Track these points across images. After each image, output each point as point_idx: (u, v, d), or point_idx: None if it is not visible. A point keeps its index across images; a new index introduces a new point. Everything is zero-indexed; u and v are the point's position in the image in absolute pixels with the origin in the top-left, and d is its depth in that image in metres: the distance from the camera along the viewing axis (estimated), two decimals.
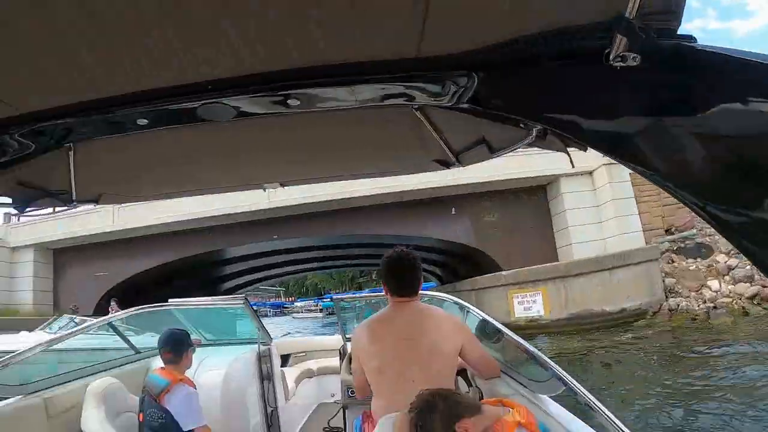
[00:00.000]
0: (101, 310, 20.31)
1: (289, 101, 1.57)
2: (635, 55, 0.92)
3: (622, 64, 0.94)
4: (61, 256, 24.01)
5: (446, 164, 2.35)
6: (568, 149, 1.62)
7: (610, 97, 1.04)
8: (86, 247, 23.57)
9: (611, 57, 0.94)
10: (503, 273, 20.17)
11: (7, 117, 1.75)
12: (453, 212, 21.86)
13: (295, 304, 74.54)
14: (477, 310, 3.43)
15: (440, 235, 22.56)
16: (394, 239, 21.20)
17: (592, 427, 2.11)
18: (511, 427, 1.79)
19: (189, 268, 26.83)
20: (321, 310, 62.65)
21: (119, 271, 23.61)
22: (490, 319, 3.14)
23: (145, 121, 1.76)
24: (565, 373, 2.25)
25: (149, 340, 4.42)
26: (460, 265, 27.67)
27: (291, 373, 5.47)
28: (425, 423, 1.82)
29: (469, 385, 2.94)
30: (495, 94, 1.33)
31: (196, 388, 3.05)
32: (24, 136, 1.87)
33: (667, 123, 0.91)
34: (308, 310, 67.15)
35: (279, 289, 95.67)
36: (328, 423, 4.98)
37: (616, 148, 1.08)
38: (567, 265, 18.95)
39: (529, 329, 17.79)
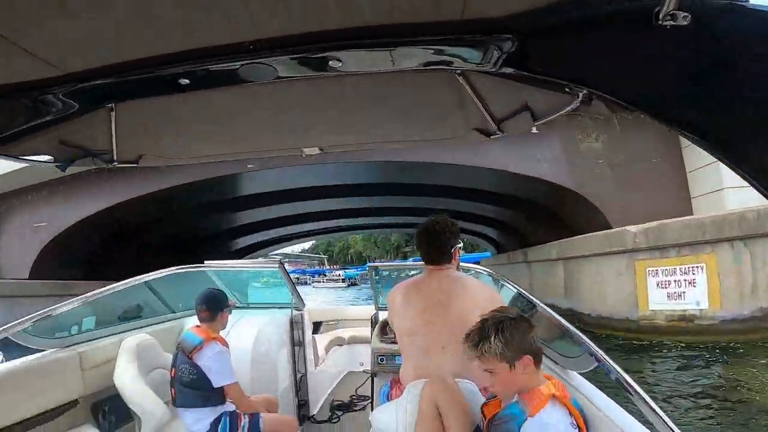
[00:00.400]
0: (45, 273, 16.72)
1: (330, 63, 1.55)
2: (685, 14, 0.87)
3: (671, 23, 0.89)
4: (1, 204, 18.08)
5: (487, 133, 2.30)
6: (615, 114, 1.57)
7: (659, 59, 1.01)
8: (28, 190, 17.64)
9: (660, 16, 0.89)
10: (630, 229, 12.16)
11: (50, 77, 1.81)
12: (535, 130, 15.48)
13: (334, 272, 74.45)
14: (511, 283, 3.39)
15: (515, 168, 15.02)
16: (448, 175, 17.42)
17: (624, 407, 2.06)
18: (545, 398, 1.77)
19: (169, 213, 20.42)
20: (343, 280, 62.61)
21: (62, 218, 17.32)
22: (524, 292, 3.11)
23: (187, 81, 1.77)
24: (597, 349, 2.19)
25: (184, 300, 4.56)
26: (533, 224, 20.55)
27: (322, 340, 5.57)
28: (504, 328, 1.79)
29: None
30: (540, 58, 1.30)
31: (228, 348, 3.12)
32: (66, 96, 1.92)
33: (716, 84, 0.88)
34: (331, 279, 67.15)
35: (322, 256, 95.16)
36: (356, 391, 5.09)
37: (665, 111, 1.04)
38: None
39: (676, 334, 10.71)
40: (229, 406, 3.05)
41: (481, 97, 2.00)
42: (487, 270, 3.83)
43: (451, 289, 2.55)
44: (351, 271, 68.87)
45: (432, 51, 1.45)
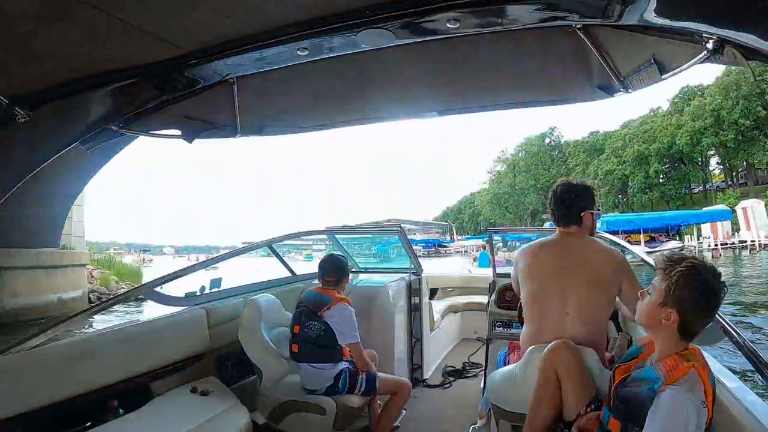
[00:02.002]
0: None
1: (448, 24, 1.54)
2: None
3: None
4: None
5: (610, 90, 2.22)
6: (750, 62, 1.38)
7: None
8: None
9: None
10: None
11: (174, 56, 1.95)
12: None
13: (455, 242, 72.91)
14: (637, 250, 3.27)
15: None
16: None
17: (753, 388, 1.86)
18: (685, 368, 1.62)
19: None
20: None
21: None
22: (651, 261, 2.90)
23: (306, 51, 1.83)
24: (729, 323, 2.00)
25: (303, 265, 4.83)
26: None
27: (437, 306, 5.59)
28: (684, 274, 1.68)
29: (618, 330, 2.83)
30: (670, 6, 1.20)
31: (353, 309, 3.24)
32: (190, 73, 2.07)
33: None
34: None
35: (445, 225, 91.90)
36: (468, 358, 5.11)
37: None
38: None
39: None
40: (347, 364, 3.16)
41: (604, 51, 1.91)
42: (610, 236, 3.63)
43: (579, 254, 2.49)
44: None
45: (551, 5, 1.40)
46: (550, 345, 2.18)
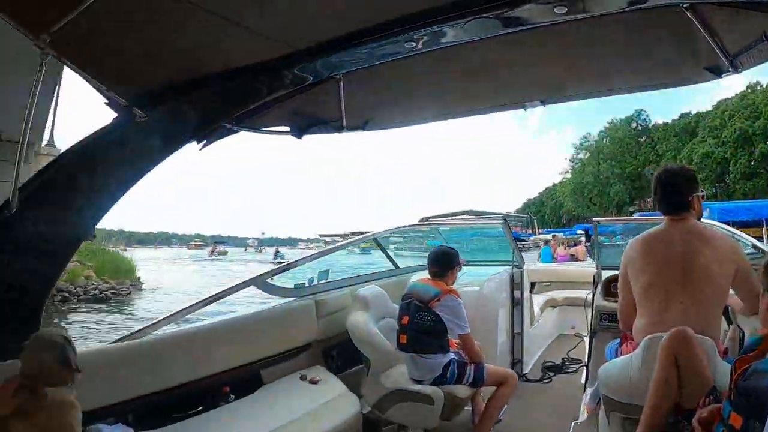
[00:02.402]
0: None
1: (555, 9, 1.52)
2: None
3: None
4: None
5: (718, 71, 2.13)
6: None
7: None
8: None
9: None
10: None
11: (284, 54, 2.01)
12: None
13: (535, 236, 71.67)
14: (748, 237, 3.16)
15: None
16: None
17: None
18: None
19: None
20: None
21: None
22: (765, 247, 2.81)
23: (413, 44, 1.83)
24: None
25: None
26: None
27: (537, 300, 5.55)
28: None
29: (729, 322, 2.75)
30: None
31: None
32: (300, 70, 2.12)
33: None
34: None
35: (525, 218, 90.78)
36: (567, 354, 4.99)
37: None
38: None
39: None
40: (455, 354, 3.16)
41: (712, 30, 1.82)
42: (719, 224, 3.52)
43: (692, 241, 2.40)
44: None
45: None
46: (669, 332, 2.11)
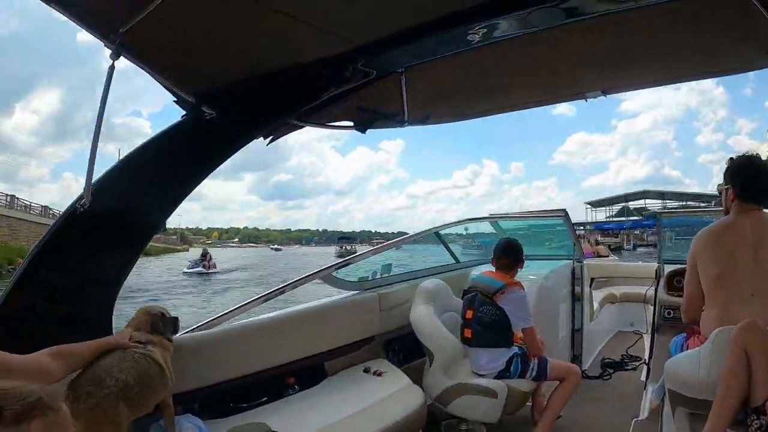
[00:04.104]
0: None
1: None
2: None
3: None
4: None
5: None
6: None
7: None
8: None
9: None
10: None
11: (347, 50, 2.04)
12: None
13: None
14: None
15: None
16: None
17: None
18: None
19: None
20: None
21: None
22: None
23: (476, 36, 1.84)
24: None
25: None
26: None
27: (596, 296, 5.47)
28: None
29: None
30: None
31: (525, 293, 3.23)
32: (363, 66, 2.15)
33: None
34: None
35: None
36: (626, 350, 4.93)
37: None
38: None
39: None
40: (518, 349, 3.15)
41: None
42: None
43: (765, 234, 2.36)
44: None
45: None
46: (739, 324, 2.08)
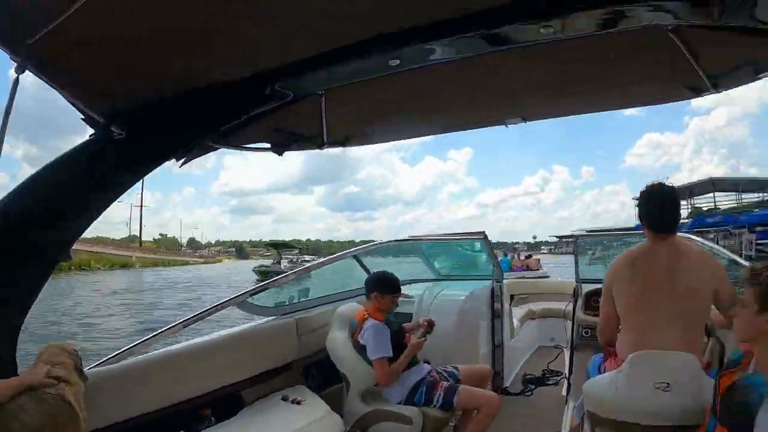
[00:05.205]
0: None
1: (541, 30, 1.52)
2: None
3: None
4: None
5: (699, 90, 2.17)
6: None
7: None
8: None
9: None
10: None
11: (267, 70, 1.98)
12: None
13: None
14: (725, 251, 3.22)
15: None
16: None
17: None
18: None
19: None
20: None
21: None
22: (742, 261, 2.92)
23: (397, 61, 1.82)
24: None
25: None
26: None
27: (516, 313, 5.59)
28: None
29: (709, 335, 2.79)
30: None
31: (383, 324, 3.15)
32: (283, 86, 2.10)
33: None
34: None
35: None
36: (548, 366, 5.07)
37: None
38: None
39: None
40: (428, 375, 3.14)
41: (694, 52, 1.86)
42: (698, 239, 3.54)
43: (679, 260, 2.44)
44: None
45: (648, 8, 1.37)
46: (651, 352, 2.22)
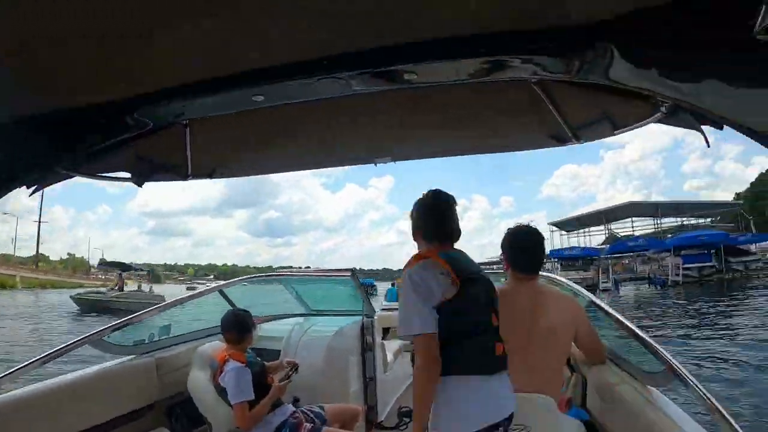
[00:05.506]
0: None
1: (405, 76, 1.55)
2: None
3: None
4: None
5: (562, 140, 2.26)
6: (703, 127, 1.49)
7: (756, 73, 0.93)
8: None
9: (756, 28, 0.82)
10: None
11: (125, 96, 1.90)
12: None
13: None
14: (585, 292, 3.31)
15: None
16: None
17: (705, 426, 1.99)
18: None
19: None
20: None
21: None
22: (599, 302, 3.02)
23: (261, 98, 1.80)
24: (679, 365, 2.11)
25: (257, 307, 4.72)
26: None
27: (390, 346, 5.58)
28: None
29: (572, 371, 2.89)
30: (625, 66, 1.23)
31: (246, 365, 3.02)
32: (142, 114, 2.03)
33: None
34: None
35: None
36: None
37: (760, 127, 0.98)
38: None
39: None
40: (291, 417, 3.08)
41: (557, 105, 1.97)
42: (563, 279, 3.72)
43: (540, 302, 2.51)
44: None
45: (510, 61, 1.42)
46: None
